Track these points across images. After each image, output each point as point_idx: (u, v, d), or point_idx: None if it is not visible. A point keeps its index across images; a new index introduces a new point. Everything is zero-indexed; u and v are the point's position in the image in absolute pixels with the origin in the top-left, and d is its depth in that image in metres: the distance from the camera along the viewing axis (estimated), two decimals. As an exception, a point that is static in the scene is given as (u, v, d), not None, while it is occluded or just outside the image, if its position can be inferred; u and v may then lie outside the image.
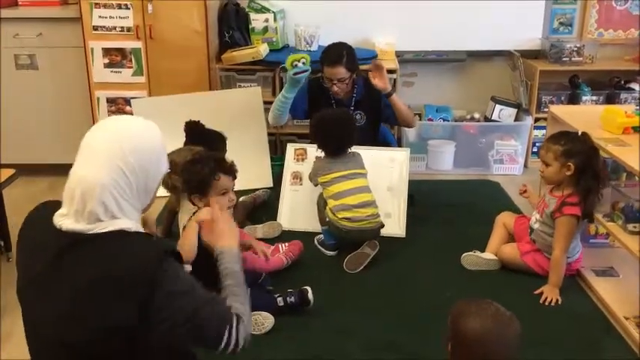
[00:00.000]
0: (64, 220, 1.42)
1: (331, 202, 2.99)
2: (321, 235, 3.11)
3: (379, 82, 3.32)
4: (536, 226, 2.85)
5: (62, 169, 4.36)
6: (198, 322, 1.42)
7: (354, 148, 3.17)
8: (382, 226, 3.04)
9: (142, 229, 1.50)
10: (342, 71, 3.32)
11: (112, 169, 1.40)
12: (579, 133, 2.76)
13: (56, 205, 1.47)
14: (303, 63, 3.31)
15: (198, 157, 2.58)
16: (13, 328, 2.49)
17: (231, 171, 2.52)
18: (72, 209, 1.41)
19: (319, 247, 3.09)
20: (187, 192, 2.52)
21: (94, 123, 3.79)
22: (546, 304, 2.64)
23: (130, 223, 1.45)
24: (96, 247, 1.39)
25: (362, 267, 2.90)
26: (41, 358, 1.51)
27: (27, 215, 1.55)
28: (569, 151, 2.71)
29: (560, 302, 2.64)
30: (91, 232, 1.40)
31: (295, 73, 3.28)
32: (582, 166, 2.70)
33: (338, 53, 3.32)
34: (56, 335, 1.40)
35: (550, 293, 2.67)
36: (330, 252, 3.05)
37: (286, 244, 2.98)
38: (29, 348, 1.52)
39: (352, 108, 3.47)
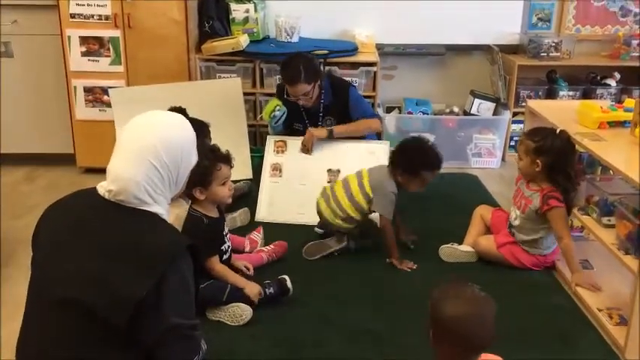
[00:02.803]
0: (106, 192, 1.54)
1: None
2: None
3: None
4: (516, 222, 2.87)
5: (39, 159, 4.36)
6: (177, 323, 1.48)
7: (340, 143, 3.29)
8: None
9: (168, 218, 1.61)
10: (303, 87, 3.30)
11: (146, 167, 1.51)
12: (557, 131, 2.77)
13: (93, 189, 1.59)
14: (278, 109, 3.41)
15: None
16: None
17: (229, 159, 2.53)
18: (110, 195, 1.53)
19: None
20: (191, 184, 2.43)
21: (70, 112, 3.87)
22: (592, 289, 2.66)
23: (162, 210, 1.56)
24: (130, 219, 1.51)
25: (319, 256, 2.92)
26: (36, 319, 1.54)
27: (65, 195, 1.67)
28: (539, 148, 2.74)
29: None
30: (128, 206, 1.51)
31: (276, 122, 3.42)
32: (551, 165, 2.73)
33: (295, 70, 3.27)
34: (69, 292, 1.45)
35: (580, 280, 2.69)
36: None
37: (254, 232, 3.01)
38: (27, 310, 1.57)
39: (321, 114, 3.48)
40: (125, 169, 1.51)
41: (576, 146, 2.75)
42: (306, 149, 3.41)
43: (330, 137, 3.40)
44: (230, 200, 2.61)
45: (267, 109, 3.47)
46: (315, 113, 3.47)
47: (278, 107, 3.41)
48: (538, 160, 2.75)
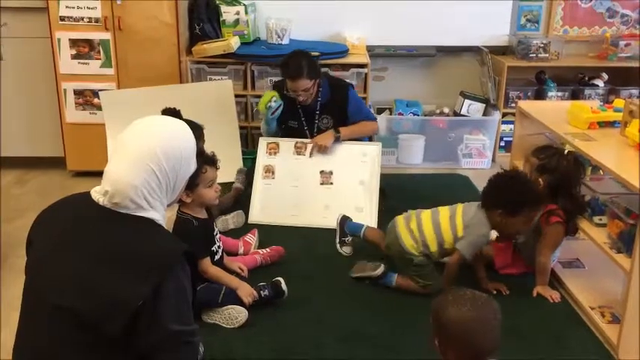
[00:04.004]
0: (100, 196, 1.52)
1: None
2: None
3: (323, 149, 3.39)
4: (521, 239, 2.82)
5: (29, 162, 4.33)
6: (177, 329, 1.47)
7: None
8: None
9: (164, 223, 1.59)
10: (304, 83, 3.32)
11: (145, 171, 1.50)
12: (565, 151, 2.72)
13: (87, 194, 1.56)
14: (275, 101, 3.38)
15: None
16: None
17: (214, 161, 2.54)
18: (106, 197, 1.51)
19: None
20: None
21: (60, 115, 3.85)
22: (553, 300, 2.64)
23: (158, 216, 1.54)
24: (126, 225, 1.50)
25: (357, 275, 2.77)
26: (30, 326, 1.52)
27: (58, 200, 1.65)
28: (542, 167, 2.70)
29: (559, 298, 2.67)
30: (123, 212, 1.50)
31: (272, 113, 3.38)
32: (554, 185, 2.68)
33: (298, 66, 3.30)
34: (62, 299, 1.43)
35: (546, 292, 2.67)
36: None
37: (249, 234, 3.02)
38: (21, 315, 1.55)
39: (318, 112, 3.49)
40: (123, 173, 1.50)
41: (583, 169, 2.73)
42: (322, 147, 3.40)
43: (338, 139, 3.43)
44: (217, 202, 2.63)
45: (263, 99, 3.44)
46: (311, 112, 3.48)
47: (275, 98, 3.39)
48: (541, 179, 2.69)
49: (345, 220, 3.04)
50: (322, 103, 3.47)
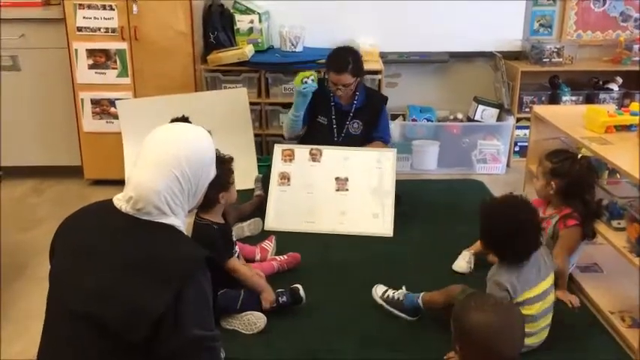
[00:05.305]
0: (123, 203, 1.54)
1: None
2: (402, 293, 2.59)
3: None
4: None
5: (46, 171, 4.38)
6: (200, 335, 1.48)
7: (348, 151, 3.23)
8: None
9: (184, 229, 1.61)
10: (347, 78, 3.35)
11: (168, 177, 1.53)
12: (579, 156, 2.71)
13: (110, 202, 1.59)
14: (312, 80, 3.38)
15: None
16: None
17: (232, 160, 2.59)
18: (129, 204, 1.53)
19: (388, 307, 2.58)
20: (214, 191, 2.42)
21: (77, 124, 3.88)
22: (573, 305, 2.61)
23: (179, 222, 1.56)
24: (148, 232, 1.52)
25: None
26: (53, 334, 1.54)
27: (81, 207, 1.66)
28: (555, 170, 2.70)
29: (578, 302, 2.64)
30: (144, 219, 1.52)
31: (304, 89, 3.37)
32: (566, 189, 2.67)
33: (344, 60, 3.35)
34: (85, 307, 1.45)
35: (565, 296, 2.64)
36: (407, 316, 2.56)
37: (266, 240, 3.03)
38: (45, 323, 1.56)
39: (351, 114, 3.51)
40: (147, 179, 1.52)
41: (596, 174, 2.72)
42: None
43: None
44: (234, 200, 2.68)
45: (301, 74, 3.41)
46: (345, 112, 3.51)
47: (313, 78, 3.38)
48: (552, 182, 2.69)
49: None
50: (357, 107, 3.50)
